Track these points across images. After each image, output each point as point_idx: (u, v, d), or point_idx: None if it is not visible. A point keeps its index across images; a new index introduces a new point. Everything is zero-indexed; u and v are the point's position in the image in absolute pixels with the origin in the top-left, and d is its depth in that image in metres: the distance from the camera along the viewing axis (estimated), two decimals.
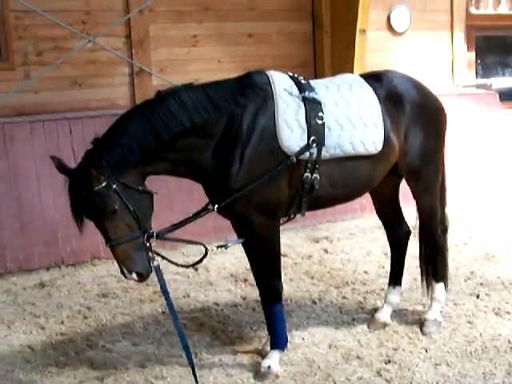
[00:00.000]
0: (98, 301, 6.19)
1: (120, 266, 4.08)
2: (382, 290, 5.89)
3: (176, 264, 4.58)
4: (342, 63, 8.94)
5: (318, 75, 9.25)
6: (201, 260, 4.56)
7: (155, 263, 4.19)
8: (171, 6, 8.67)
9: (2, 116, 7.64)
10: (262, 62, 8.77)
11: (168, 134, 4.09)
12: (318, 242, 7.74)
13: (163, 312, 5.78)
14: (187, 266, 4.72)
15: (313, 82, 4.63)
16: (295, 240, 7.82)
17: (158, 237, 4.17)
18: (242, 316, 5.68)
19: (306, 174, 4.42)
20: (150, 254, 4.15)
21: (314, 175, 4.44)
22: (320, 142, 4.39)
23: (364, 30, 8.66)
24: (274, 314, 4.70)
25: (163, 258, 4.39)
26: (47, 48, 8.04)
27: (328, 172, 4.49)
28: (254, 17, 9.17)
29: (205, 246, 4.46)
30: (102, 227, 4.04)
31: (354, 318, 5.49)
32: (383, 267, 6.60)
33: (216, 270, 6.93)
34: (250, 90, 4.37)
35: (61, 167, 4.01)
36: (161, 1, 8.49)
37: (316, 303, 5.89)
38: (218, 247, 4.56)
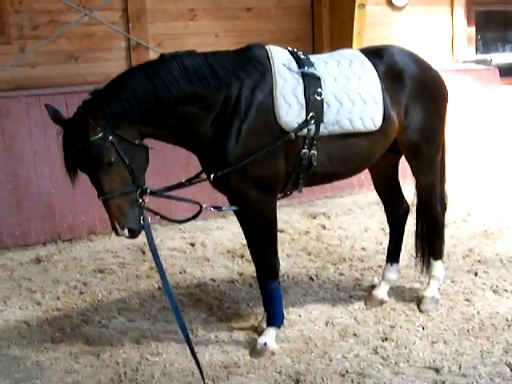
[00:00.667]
0: (94, 276, 6.17)
1: (112, 222, 3.99)
2: (380, 266, 5.87)
3: (169, 219, 4.49)
4: (341, 38, 8.85)
5: (316, 50, 9.17)
6: (194, 217, 4.45)
7: (147, 221, 4.09)
8: None
9: None
10: (260, 36, 8.68)
11: (168, 97, 4.03)
12: (315, 217, 7.71)
13: (159, 288, 5.75)
14: (180, 222, 4.57)
15: (312, 58, 4.57)
16: (293, 216, 7.79)
17: (151, 193, 4.10)
18: (239, 292, 5.66)
19: (303, 150, 4.38)
20: (142, 210, 4.06)
21: (312, 151, 4.39)
22: (318, 119, 4.34)
23: (363, 5, 8.56)
24: (270, 290, 4.67)
25: (156, 213, 4.31)
26: (43, 22, 7.95)
27: (326, 148, 4.44)
28: None
29: (199, 204, 4.38)
30: (96, 180, 3.94)
31: (350, 295, 5.48)
32: (381, 243, 6.58)
33: (213, 245, 6.90)
34: (249, 64, 4.32)
35: (55, 117, 3.91)
36: None
37: (313, 280, 5.87)
38: (211, 207, 4.49)
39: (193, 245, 6.96)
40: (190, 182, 4.58)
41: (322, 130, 4.38)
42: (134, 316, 5.27)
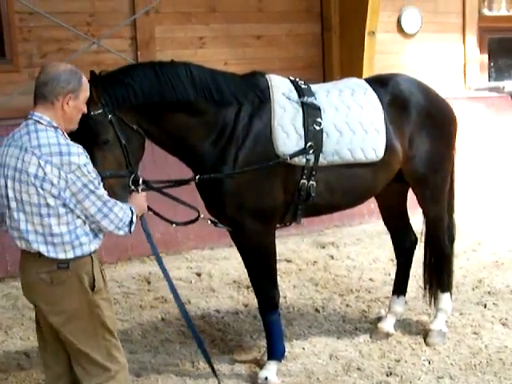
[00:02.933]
0: None
1: None
2: (387, 297, 5.75)
3: (167, 220, 4.36)
4: (351, 65, 8.81)
5: (326, 77, 9.12)
6: (191, 221, 4.40)
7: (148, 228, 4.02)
8: (177, 7, 8.56)
9: (7, 118, 7.54)
10: (270, 64, 8.62)
11: (171, 96, 4.03)
12: (324, 247, 7.62)
13: (163, 319, 5.69)
14: (178, 224, 4.46)
15: (314, 87, 4.52)
16: (301, 245, 7.70)
17: (144, 183, 4.01)
18: (243, 324, 5.57)
19: (302, 181, 4.31)
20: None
21: (311, 182, 4.33)
22: (317, 148, 4.28)
23: (373, 32, 8.53)
24: (270, 322, 4.59)
25: (156, 213, 4.24)
26: (52, 50, 7.95)
27: (326, 179, 4.38)
28: (262, 18, 9.04)
29: (197, 210, 4.33)
30: (91, 157, 3.89)
31: (356, 328, 5.37)
32: (389, 274, 6.46)
33: (219, 275, 6.82)
34: (251, 91, 4.30)
35: None
36: (167, 2, 8.39)
37: (319, 311, 5.77)
38: (210, 221, 4.46)
39: (199, 275, 6.88)
40: (181, 182, 4.42)
41: (321, 160, 4.31)
42: (136, 348, 5.19)
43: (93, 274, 3.44)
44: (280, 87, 4.35)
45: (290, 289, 6.31)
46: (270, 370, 4.55)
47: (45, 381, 3.71)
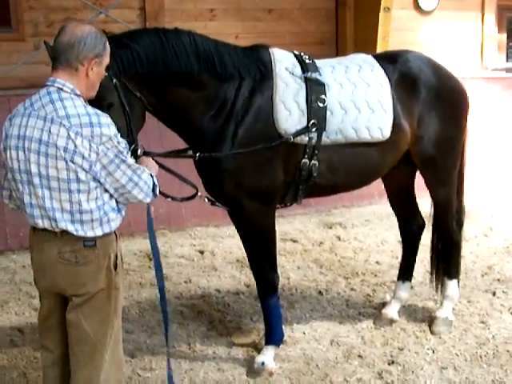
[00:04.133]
0: None
1: None
2: (393, 282, 5.56)
3: (163, 194, 4.14)
4: (365, 42, 8.60)
5: (339, 54, 8.89)
6: (188, 198, 4.21)
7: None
8: None
9: (11, 88, 7.43)
10: (280, 38, 8.42)
11: (175, 67, 3.85)
12: (331, 227, 7.44)
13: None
14: (173, 198, 4.21)
15: (319, 62, 4.30)
16: (308, 225, 7.52)
17: (145, 154, 3.83)
18: (243, 305, 5.42)
19: (303, 160, 4.12)
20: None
21: (313, 161, 4.13)
22: (320, 126, 4.08)
23: (388, 8, 8.30)
24: (268, 306, 4.43)
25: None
26: (58, 19, 7.78)
27: (328, 158, 4.18)
28: None
29: (195, 187, 4.13)
30: None
31: (360, 312, 5.21)
32: (396, 257, 6.26)
33: (222, 254, 6.67)
34: (253, 65, 4.09)
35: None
36: None
37: (322, 294, 5.61)
38: (206, 198, 4.29)
39: (202, 252, 6.73)
40: (180, 153, 4.32)
41: (324, 138, 4.11)
42: (132, 327, 5.04)
43: (117, 252, 3.24)
44: (283, 61, 4.14)
45: (293, 270, 6.15)
46: (268, 354, 4.40)
47: (42, 363, 3.52)
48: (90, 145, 3.00)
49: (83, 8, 7.85)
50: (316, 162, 4.14)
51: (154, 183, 3.31)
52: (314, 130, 4.06)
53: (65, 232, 3.10)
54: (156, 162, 3.97)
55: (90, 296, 3.18)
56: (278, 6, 8.81)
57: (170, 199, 4.26)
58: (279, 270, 4.57)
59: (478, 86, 8.44)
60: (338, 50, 9.08)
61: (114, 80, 3.65)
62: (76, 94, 3.10)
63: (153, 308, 5.38)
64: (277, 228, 4.41)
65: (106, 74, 3.58)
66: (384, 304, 5.23)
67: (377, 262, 6.32)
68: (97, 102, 3.58)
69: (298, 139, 4.06)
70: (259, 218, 4.20)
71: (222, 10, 8.55)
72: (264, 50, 4.23)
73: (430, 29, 9.61)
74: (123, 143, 3.16)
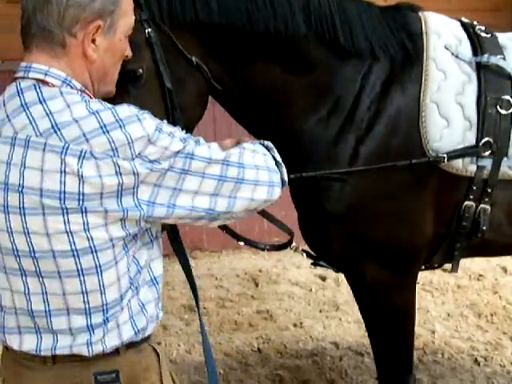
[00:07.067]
0: None
1: None
2: None
3: (247, 242, 2.76)
4: None
5: None
6: (279, 247, 2.79)
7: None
8: None
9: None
10: (442, 2, 6.72)
11: (266, 24, 2.28)
12: None
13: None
14: (263, 249, 2.82)
15: (503, 37, 2.66)
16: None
17: None
18: (365, 375, 3.92)
19: (467, 202, 2.49)
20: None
21: (482, 205, 2.49)
22: (500, 148, 2.46)
23: None
24: None
25: (228, 232, 2.71)
26: None
27: (509, 201, 2.57)
28: None
29: (290, 232, 2.69)
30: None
31: None
32: None
33: None
34: (392, 37, 2.49)
35: None
36: None
37: (479, 365, 4.00)
38: (305, 253, 2.82)
39: (323, 279, 5.25)
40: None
41: (505, 169, 2.49)
42: None
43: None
44: (442, 34, 2.52)
45: (441, 318, 4.57)
46: None
47: None
48: (115, 166, 1.59)
49: None
50: (487, 207, 2.48)
51: (276, 160, 1.96)
52: (487, 152, 2.41)
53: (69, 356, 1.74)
54: None
55: None
56: None
57: (266, 250, 2.85)
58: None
59: None
60: None
61: (148, 30, 2.14)
62: (73, 88, 1.71)
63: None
64: None
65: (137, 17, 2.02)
66: None
67: None
68: None
69: (460, 166, 2.44)
70: (389, 293, 2.66)
71: None
72: (412, 13, 2.61)
73: None
74: (177, 131, 1.75)
